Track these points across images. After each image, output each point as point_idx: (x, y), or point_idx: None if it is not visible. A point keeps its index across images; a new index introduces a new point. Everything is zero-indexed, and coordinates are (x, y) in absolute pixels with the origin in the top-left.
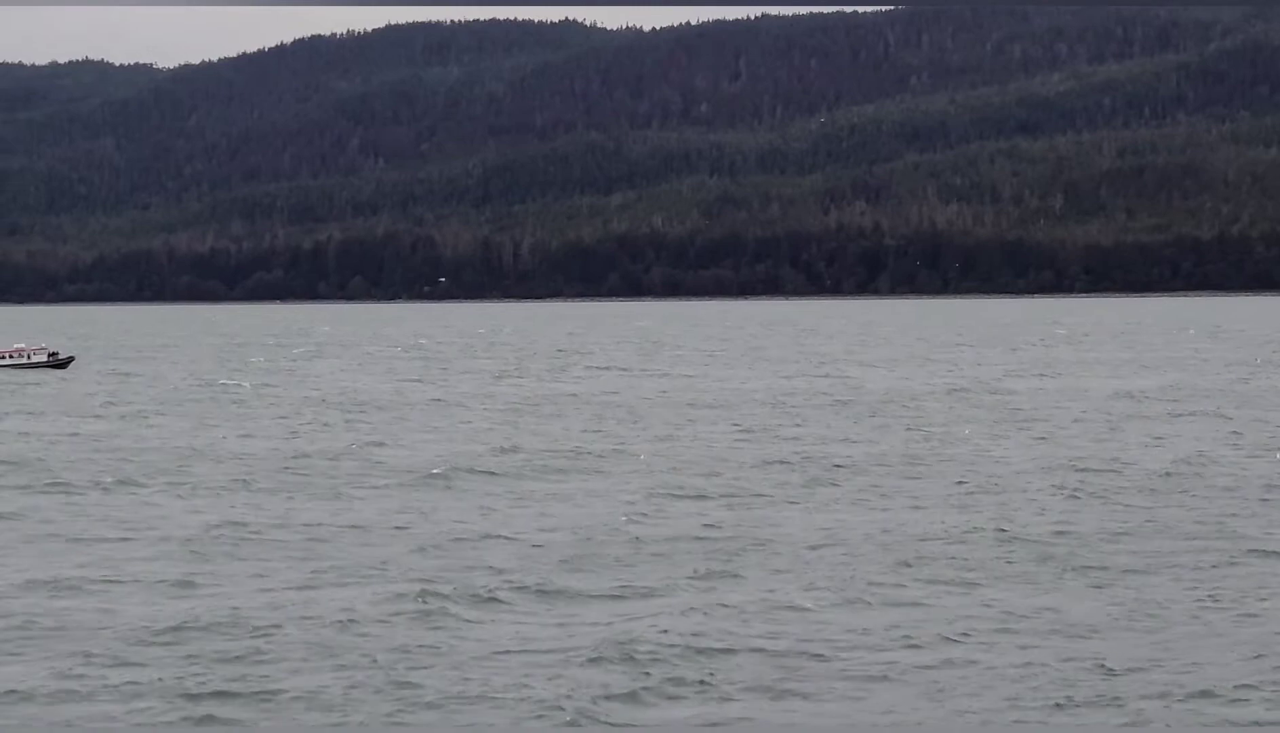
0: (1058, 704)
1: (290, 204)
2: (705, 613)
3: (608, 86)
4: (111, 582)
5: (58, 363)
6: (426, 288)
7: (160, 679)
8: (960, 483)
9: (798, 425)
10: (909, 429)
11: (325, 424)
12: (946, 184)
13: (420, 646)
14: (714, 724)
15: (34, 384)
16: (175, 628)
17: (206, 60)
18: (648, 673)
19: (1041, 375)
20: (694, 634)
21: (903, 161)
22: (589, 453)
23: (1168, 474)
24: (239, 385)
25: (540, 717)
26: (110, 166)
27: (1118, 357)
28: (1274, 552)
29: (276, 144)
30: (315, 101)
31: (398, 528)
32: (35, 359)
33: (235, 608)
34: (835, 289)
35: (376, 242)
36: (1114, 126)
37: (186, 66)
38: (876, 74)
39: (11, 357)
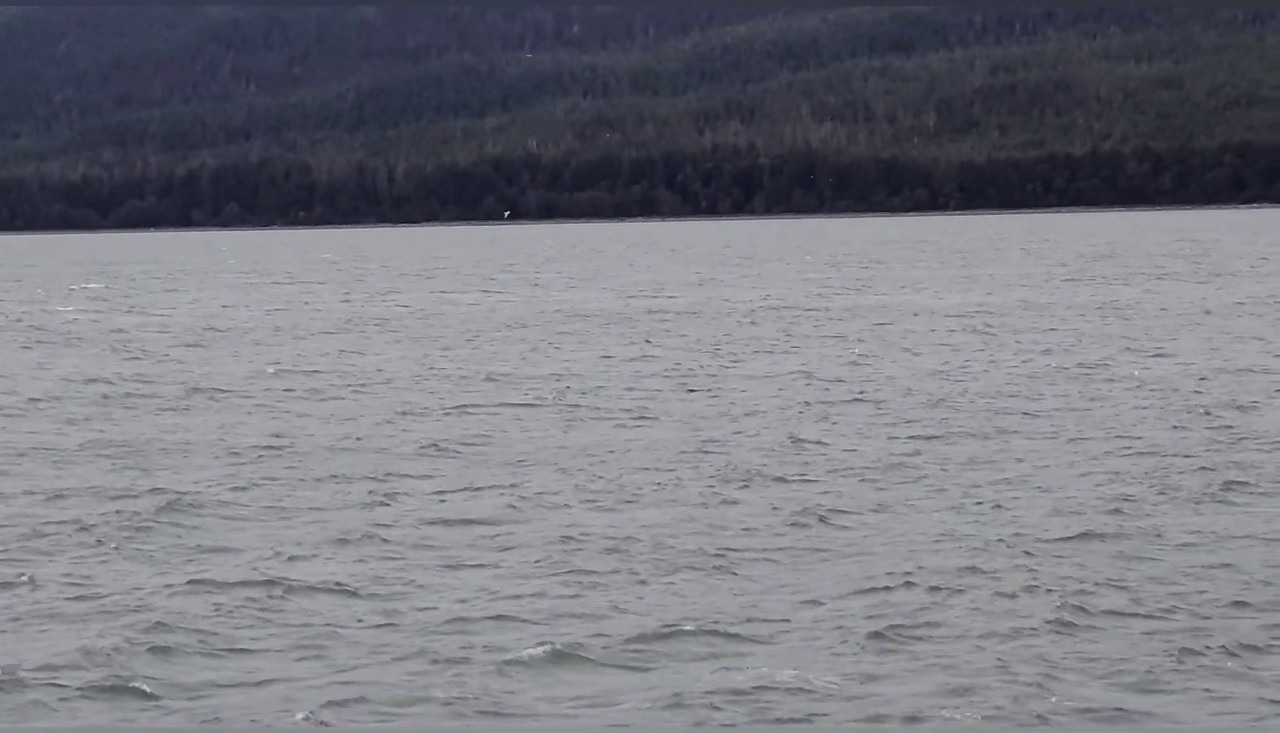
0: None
1: (162, 131)
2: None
3: (480, 8)
4: None
5: None
6: (301, 213)
7: None
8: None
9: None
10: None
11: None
12: (820, 103)
13: None
14: None
15: None
16: None
17: None
18: None
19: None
20: None
21: (776, 81)
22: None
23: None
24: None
25: None
26: None
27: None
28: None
29: (147, 70)
30: (186, 27)
31: None
32: None
33: None
34: (711, 210)
35: (250, 168)
36: (985, 44)
37: None
38: None
39: None
